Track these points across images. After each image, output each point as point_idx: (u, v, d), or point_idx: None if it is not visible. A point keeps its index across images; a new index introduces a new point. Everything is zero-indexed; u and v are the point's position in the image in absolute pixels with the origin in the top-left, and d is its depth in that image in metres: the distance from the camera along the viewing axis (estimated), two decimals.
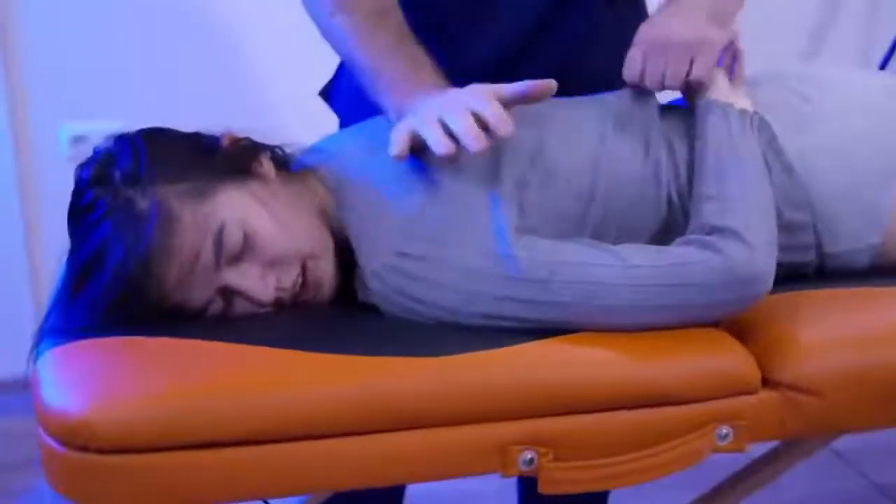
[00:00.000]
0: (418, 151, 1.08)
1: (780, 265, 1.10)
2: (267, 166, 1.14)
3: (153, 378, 0.95)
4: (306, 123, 1.33)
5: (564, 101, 1.18)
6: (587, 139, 1.16)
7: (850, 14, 2.71)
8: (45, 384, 0.96)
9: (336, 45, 1.23)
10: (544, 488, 0.98)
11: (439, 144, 1.04)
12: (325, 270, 1.11)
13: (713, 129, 1.15)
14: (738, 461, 1.18)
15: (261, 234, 1.08)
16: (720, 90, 1.18)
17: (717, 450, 1.03)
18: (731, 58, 1.21)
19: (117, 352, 0.99)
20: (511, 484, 1.65)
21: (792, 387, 1.04)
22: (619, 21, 1.37)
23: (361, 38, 1.19)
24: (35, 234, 2.42)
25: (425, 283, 1.05)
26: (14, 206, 2.44)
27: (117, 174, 1.06)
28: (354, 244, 1.11)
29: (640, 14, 1.43)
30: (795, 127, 1.19)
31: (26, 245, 2.45)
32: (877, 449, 2.13)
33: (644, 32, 1.22)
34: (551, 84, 1.10)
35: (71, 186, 1.09)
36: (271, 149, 1.16)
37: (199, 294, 1.07)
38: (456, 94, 1.11)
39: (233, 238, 1.07)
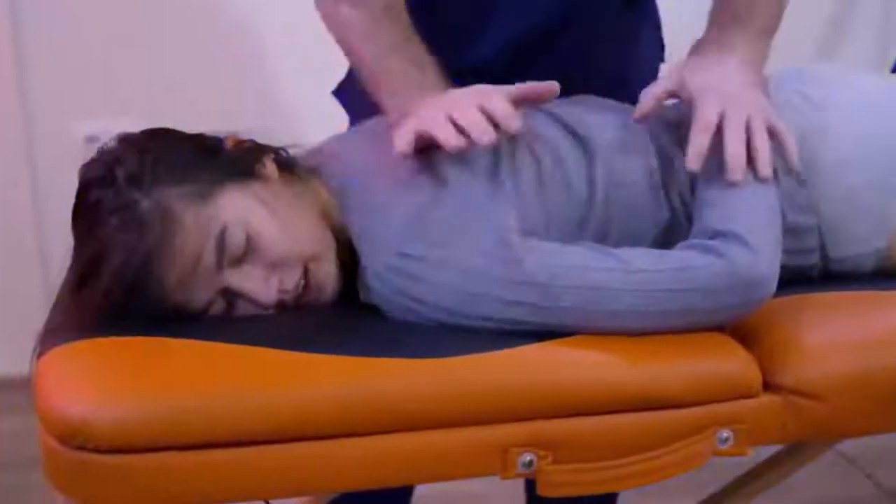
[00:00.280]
0: (421, 152, 1.08)
1: (784, 268, 1.10)
2: (270, 168, 1.14)
3: (152, 378, 0.96)
4: (319, 123, 1.33)
5: (567, 103, 1.18)
6: (588, 143, 1.16)
7: (867, 13, 2.70)
8: (46, 383, 0.96)
9: (339, 37, 1.22)
10: (543, 491, 0.98)
11: (450, 138, 1.05)
12: (328, 272, 1.12)
13: None
14: (744, 464, 1.18)
15: (263, 236, 1.08)
16: None
17: (717, 453, 1.02)
18: None
19: (117, 351, 1.00)
20: (520, 486, 1.65)
21: (793, 391, 1.04)
22: (631, 25, 1.37)
23: (367, 33, 1.19)
24: (47, 233, 2.44)
25: (426, 284, 1.05)
26: (27, 206, 2.47)
27: (120, 175, 1.06)
28: (357, 245, 1.11)
29: (651, 20, 1.43)
30: (799, 129, 1.18)
31: (38, 244, 2.47)
32: (885, 452, 2.12)
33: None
34: (554, 86, 1.10)
35: None
36: (275, 150, 1.16)
37: (200, 295, 1.07)
38: (461, 92, 1.12)
39: (235, 240, 1.07)
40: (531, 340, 1.02)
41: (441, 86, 1.15)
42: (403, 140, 1.08)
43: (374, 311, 1.09)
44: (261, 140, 1.17)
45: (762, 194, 1.10)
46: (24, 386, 1.04)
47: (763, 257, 1.05)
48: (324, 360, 0.98)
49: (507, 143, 1.08)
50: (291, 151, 1.18)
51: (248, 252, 1.08)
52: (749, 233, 1.05)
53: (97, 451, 0.90)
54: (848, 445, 1.25)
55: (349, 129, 1.30)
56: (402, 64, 1.16)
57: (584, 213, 1.13)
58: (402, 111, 1.12)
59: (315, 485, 0.98)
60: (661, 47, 1.46)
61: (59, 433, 0.91)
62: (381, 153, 1.12)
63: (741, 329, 1.09)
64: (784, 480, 1.24)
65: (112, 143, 1.10)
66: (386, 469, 0.96)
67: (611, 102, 1.23)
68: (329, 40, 1.24)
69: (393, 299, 1.07)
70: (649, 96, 1.17)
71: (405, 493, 1.61)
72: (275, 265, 1.09)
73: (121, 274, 1.03)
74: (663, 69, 1.42)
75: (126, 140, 1.10)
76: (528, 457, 0.97)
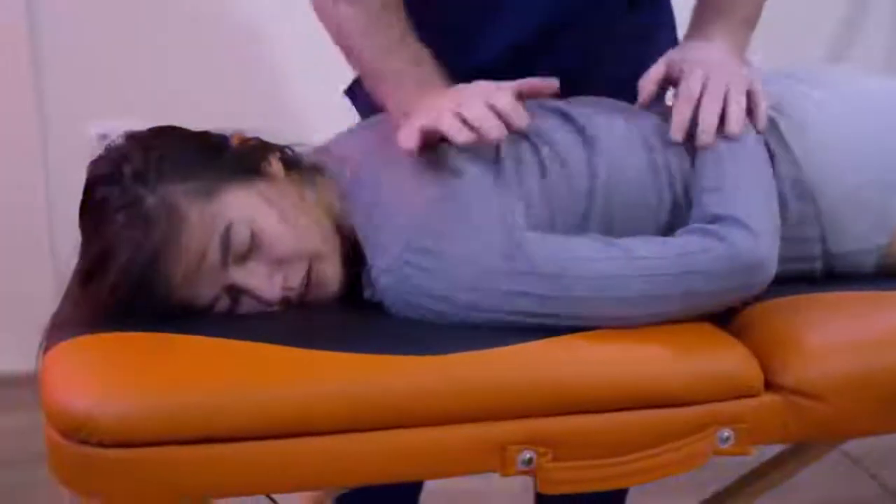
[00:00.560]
0: (426, 148, 1.09)
1: (786, 261, 1.11)
2: (276, 166, 1.15)
3: (157, 373, 0.97)
4: (330, 123, 1.33)
5: (571, 100, 1.19)
6: (591, 138, 1.16)
7: (879, 14, 2.69)
8: (51, 377, 0.97)
9: (337, 35, 1.22)
10: (543, 488, 0.99)
11: (459, 132, 1.05)
12: (331, 270, 1.12)
13: None
14: (747, 464, 1.18)
15: (268, 234, 1.09)
16: None
17: (718, 452, 1.03)
18: None
19: (122, 347, 1.01)
20: (528, 483, 1.66)
21: (795, 391, 1.04)
22: (641, 27, 1.37)
23: (365, 31, 1.19)
24: (60, 230, 2.45)
25: (434, 278, 1.06)
26: (41, 204, 2.48)
27: (127, 172, 1.07)
28: (362, 242, 1.11)
29: (663, 21, 1.43)
30: (800, 127, 1.19)
31: (51, 241, 2.48)
32: (890, 453, 2.11)
33: (688, 52, 1.23)
34: (553, 83, 1.11)
35: None
36: (280, 149, 1.17)
37: (205, 292, 1.08)
38: (465, 88, 1.12)
39: (240, 237, 1.08)
40: (533, 337, 1.03)
41: (440, 83, 1.15)
42: (410, 138, 1.08)
43: (377, 308, 1.10)
44: (267, 139, 1.18)
45: (760, 180, 1.12)
46: (33, 383, 1.05)
47: (763, 240, 1.06)
48: (326, 356, 0.99)
49: (510, 139, 1.09)
50: (297, 150, 1.19)
51: (253, 249, 1.09)
52: (748, 216, 1.07)
53: (101, 445, 0.90)
54: (852, 446, 1.25)
55: (354, 126, 1.30)
56: (401, 61, 1.17)
57: (587, 207, 1.13)
58: (403, 109, 1.12)
59: (316, 480, 0.98)
60: None
61: (64, 427, 0.92)
62: (386, 151, 1.12)
63: (743, 328, 1.09)
64: (788, 480, 1.24)
65: (119, 141, 1.11)
66: (386, 465, 0.97)
67: (613, 101, 1.24)
68: None
69: (402, 296, 1.07)
70: (646, 80, 1.21)
71: (413, 491, 1.61)
72: (279, 262, 1.10)
73: (127, 270, 1.04)
74: None
75: (133, 138, 1.11)
76: (527, 454, 0.98)
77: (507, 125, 1.06)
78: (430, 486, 1.60)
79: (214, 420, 0.93)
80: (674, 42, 1.44)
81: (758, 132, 1.17)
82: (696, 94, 1.16)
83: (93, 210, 1.08)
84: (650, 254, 1.05)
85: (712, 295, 1.06)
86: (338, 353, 0.99)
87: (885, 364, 1.06)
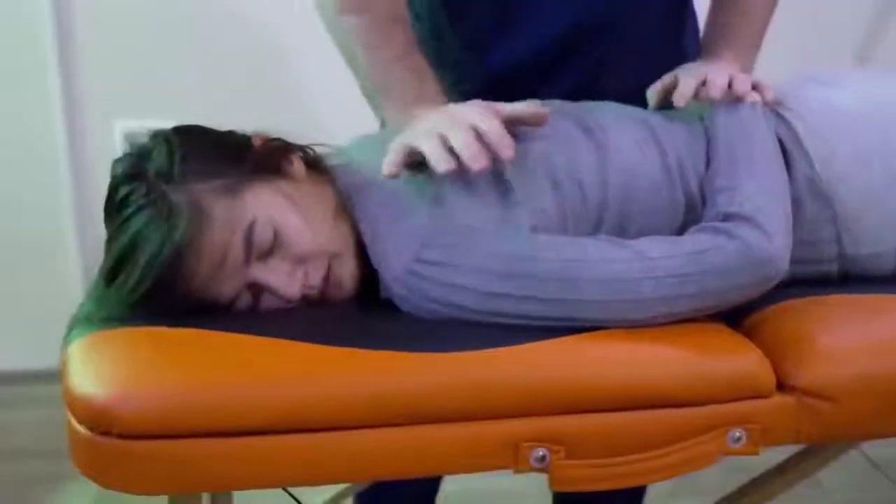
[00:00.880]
0: (416, 166, 1.09)
1: (801, 262, 1.11)
2: (297, 165, 1.16)
3: (177, 367, 0.98)
4: (353, 124, 1.35)
5: (575, 106, 1.19)
6: (601, 144, 1.17)
7: None
8: (74, 370, 0.99)
9: (343, 45, 1.23)
10: (555, 486, 1.00)
11: (440, 161, 1.06)
12: (348, 270, 1.14)
13: (723, 122, 1.17)
14: (766, 463, 1.18)
15: (290, 232, 1.10)
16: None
17: (729, 453, 1.03)
18: None
19: (144, 341, 1.02)
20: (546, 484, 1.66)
21: (807, 392, 1.04)
22: (671, 33, 1.38)
23: (370, 42, 1.20)
24: (87, 227, 2.49)
25: (446, 285, 1.07)
26: (67, 201, 2.51)
27: (151, 170, 1.09)
28: (369, 249, 1.12)
29: (691, 27, 1.43)
30: (817, 128, 1.20)
31: (79, 238, 2.52)
32: None
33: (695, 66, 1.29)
34: (544, 115, 1.12)
35: None
36: (302, 148, 1.19)
37: (227, 288, 1.10)
38: (456, 108, 1.12)
39: (263, 235, 1.09)
40: (547, 336, 1.04)
41: (440, 98, 1.16)
42: (394, 161, 1.09)
43: (394, 306, 1.11)
44: (289, 139, 1.20)
45: (774, 179, 1.12)
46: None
47: (775, 238, 1.07)
48: (344, 353, 1.00)
49: (520, 143, 1.10)
50: (318, 150, 1.21)
51: (275, 247, 1.10)
52: (759, 213, 1.07)
53: (122, 436, 0.92)
54: (876, 449, 1.24)
55: (369, 133, 1.31)
56: (404, 74, 1.18)
57: (599, 213, 1.14)
58: (398, 124, 1.14)
59: (332, 474, 0.99)
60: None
61: (85, 419, 0.93)
62: None
63: (756, 329, 1.10)
64: (806, 479, 1.24)
65: (143, 139, 1.13)
66: (400, 461, 0.98)
67: (626, 106, 1.25)
68: None
69: (412, 302, 1.09)
70: (655, 88, 1.26)
71: (431, 490, 1.62)
72: (300, 260, 1.11)
73: (150, 267, 1.05)
74: None
75: (157, 136, 1.12)
76: (540, 451, 0.99)
77: (493, 154, 1.06)
78: (447, 487, 1.62)
79: (234, 414, 0.94)
80: (698, 49, 1.45)
81: (765, 103, 1.20)
82: (702, 74, 1.21)
83: (117, 208, 1.09)
84: (661, 254, 1.06)
85: (724, 293, 1.07)
86: (356, 350, 1.00)
87: None
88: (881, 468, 2.12)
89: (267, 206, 1.10)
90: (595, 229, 1.14)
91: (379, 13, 1.21)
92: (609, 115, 1.21)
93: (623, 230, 1.14)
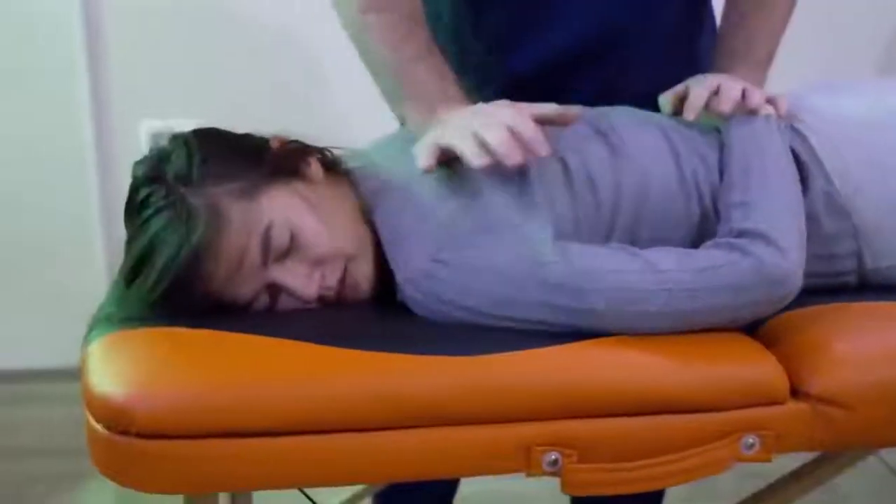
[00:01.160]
0: (447, 163, 1.10)
1: (818, 276, 1.10)
2: (315, 168, 1.17)
3: (194, 367, 0.99)
4: (379, 126, 1.35)
5: (591, 110, 1.20)
6: (616, 150, 1.17)
7: None
8: (93, 369, 1.00)
9: (363, 46, 1.24)
10: (567, 489, 1.00)
11: (476, 157, 1.06)
12: (364, 272, 1.14)
13: (738, 135, 1.17)
14: (786, 467, 1.17)
15: (307, 234, 1.11)
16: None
17: (742, 459, 1.03)
18: None
19: (162, 341, 1.03)
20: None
21: (821, 399, 1.04)
22: (677, 45, 1.38)
23: (391, 43, 1.20)
24: (113, 227, 2.51)
25: (459, 288, 1.07)
26: (94, 200, 2.54)
27: (170, 173, 1.10)
28: (387, 251, 1.13)
29: (709, 27, 1.43)
30: (834, 140, 1.19)
31: (104, 238, 2.54)
32: None
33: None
34: (575, 112, 1.13)
35: None
36: (320, 151, 1.19)
37: (245, 290, 1.11)
38: (486, 108, 1.13)
39: (280, 237, 1.10)
40: (560, 341, 1.04)
41: (462, 99, 1.16)
42: (428, 155, 1.09)
43: (408, 309, 1.11)
44: (308, 141, 1.20)
45: (788, 194, 1.12)
46: None
47: (789, 255, 1.06)
48: (358, 355, 1.01)
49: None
50: (336, 153, 1.21)
51: (292, 249, 1.11)
52: (774, 230, 1.07)
53: (138, 435, 0.93)
54: (894, 455, 1.23)
55: (387, 135, 1.32)
56: (427, 73, 1.18)
57: (612, 220, 1.14)
58: (423, 123, 1.14)
59: (346, 475, 1.00)
60: None
61: (103, 417, 0.95)
62: (412, 161, 1.13)
63: (770, 335, 1.10)
64: (823, 485, 1.23)
65: (163, 142, 1.14)
66: (412, 463, 0.99)
67: (643, 111, 1.25)
68: None
69: (426, 304, 1.09)
70: (665, 96, 1.25)
71: (448, 492, 1.63)
72: (317, 262, 1.12)
73: (168, 269, 1.06)
74: None
75: (176, 139, 1.14)
76: (553, 455, 0.99)
77: (527, 151, 1.07)
78: (464, 489, 1.63)
79: (250, 415, 0.95)
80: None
81: (779, 117, 1.19)
82: (714, 84, 1.20)
83: (137, 209, 1.10)
84: (673, 267, 1.05)
85: (736, 309, 1.06)
86: (369, 353, 1.01)
87: None
88: None
89: (284, 208, 1.11)
90: (608, 234, 1.14)
91: (400, 13, 1.21)
92: (625, 119, 1.21)
93: (636, 238, 1.14)
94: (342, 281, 1.13)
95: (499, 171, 1.09)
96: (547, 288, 1.05)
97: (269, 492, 0.99)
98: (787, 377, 1.05)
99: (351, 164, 1.21)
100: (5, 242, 2.56)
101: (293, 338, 1.04)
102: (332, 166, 1.19)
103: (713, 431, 1.02)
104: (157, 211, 1.08)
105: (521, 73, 1.33)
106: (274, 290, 1.12)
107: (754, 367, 1.05)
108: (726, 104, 1.18)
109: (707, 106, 1.21)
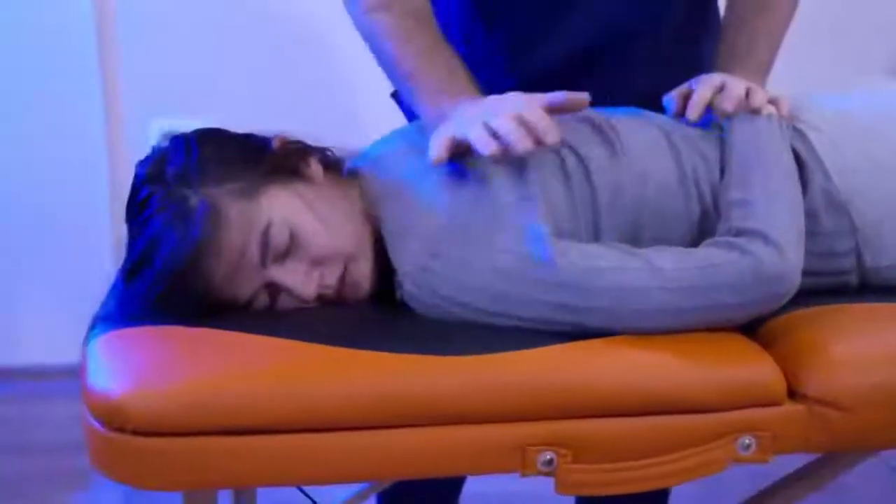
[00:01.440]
0: (457, 157, 1.11)
1: (817, 274, 1.10)
2: (315, 168, 1.17)
3: (192, 365, 1.00)
4: (394, 124, 1.36)
5: (598, 109, 1.20)
6: (616, 149, 1.18)
7: None
8: (91, 367, 1.01)
9: (372, 41, 1.25)
10: (561, 489, 1.00)
11: (486, 144, 1.07)
12: (363, 272, 1.15)
13: (740, 134, 1.17)
14: (790, 467, 1.17)
15: (306, 234, 1.12)
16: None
17: (738, 460, 1.03)
18: None
19: (160, 339, 1.04)
20: None
21: (818, 400, 1.04)
22: (681, 46, 1.38)
23: (400, 38, 1.21)
24: (122, 224, 2.52)
25: (457, 284, 1.08)
26: (104, 197, 2.55)
27: (170, 172, 1.11)
28: (388, 246, 1.14)
29: (714, 28, 1.43)
30: (833, 138, 1.19)
31: (114, 235, 2.55)
32: None
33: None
34: (584, 97, 1.12)
35: None
36: (321, 151, 1.20)
37: (244, 289, 1.11)
38: (497, 99, 1.14)
39: (279, 237, 1.11)
40: (556, 341, 1.04)
41: (473, 92, 1.17)
42: (441, 147, 1.10)
43: (408, 309, 1.12)
44: (312, 141, 1.21)
45: (787, 192, 1.12)
46: None
47: (786, 253, 1.07)
48: (355, 354, 1.02)
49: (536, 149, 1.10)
50: (337, 152, 1.22)
51: (292, 249, 1.12)
52: (772, 229, 1.07)
53: (136, 433, 0.94)
54: None
55: (389, 133, 1.33)
56: (436, 68, 1.19)
57: (611, 216, 1.14)
58: (434, 117, 1.15)
59: (343, 474, 1.00)
60: None
61: (100, 415, 0.96)
62: (420, 157, 1.14)
63: (768, 336, 1.09)
64: (827, 485, 1.23)
65: (164, 142, 1.15)
66: (408, 462, 0.99)
67: (643, 111, 1.25)
68: None
69: (425, 300, 1.10)
70: (669, 97, 1.25)
71: (452, 491, 1.63)
72: (316, 262, 1.13)
73: (167, 269, 1.07)
74: None
75: (177, 139, 1.15)
76: (548, 455, 0.99)
77: (538, 140, 1.07)
78: (469, 488, 1.63)
79: (247, 412, 0.96)
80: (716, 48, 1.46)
81: (781, 117, 1.19)
82: (718, 83, 1.20)
83: (137, 209, 1.11)
84: (673, 265, 1.06)
85: (735, 308, 1.07)
86: (366, 352, 1.02)
87: None
88: None
89: (283, 208, 1.12)
90: (608, 233, 1.14)
91: (405, 9, 1.22)
92: (625, 119, 1.22)
93: (636, 236, 1.14)
94: (342, 280, 1.14)
95: (503, 164, 1.10)
96: (546, 286, 1.05)
97: (272, 490, 0.99)
98: (784, 378, 1.05)
99: (356, 162, 1.21)
100: (14, 239, 2.58)
101: (292, 337, 1.04)
102: (334, 166, 1.20)
103: (709, 432, 1.02)
104: (158, 211, 1.09)
105: (529, 77, 1.34)
106: (273, 289, 1.13)
107: (751, 367, 1.05)
108: (730, 103, 1.19)
109: (711, 104, 1.21)
